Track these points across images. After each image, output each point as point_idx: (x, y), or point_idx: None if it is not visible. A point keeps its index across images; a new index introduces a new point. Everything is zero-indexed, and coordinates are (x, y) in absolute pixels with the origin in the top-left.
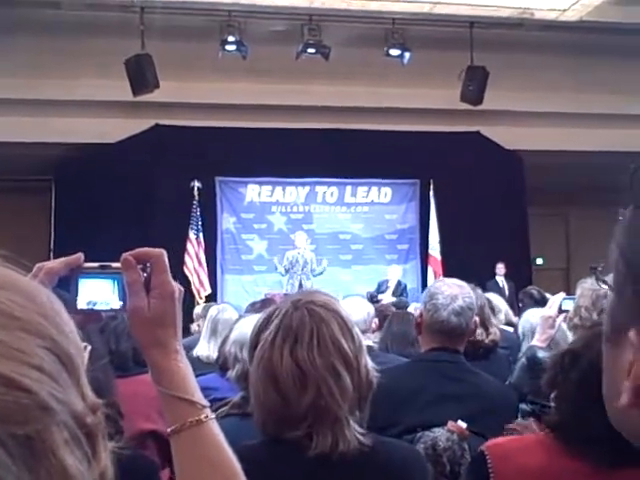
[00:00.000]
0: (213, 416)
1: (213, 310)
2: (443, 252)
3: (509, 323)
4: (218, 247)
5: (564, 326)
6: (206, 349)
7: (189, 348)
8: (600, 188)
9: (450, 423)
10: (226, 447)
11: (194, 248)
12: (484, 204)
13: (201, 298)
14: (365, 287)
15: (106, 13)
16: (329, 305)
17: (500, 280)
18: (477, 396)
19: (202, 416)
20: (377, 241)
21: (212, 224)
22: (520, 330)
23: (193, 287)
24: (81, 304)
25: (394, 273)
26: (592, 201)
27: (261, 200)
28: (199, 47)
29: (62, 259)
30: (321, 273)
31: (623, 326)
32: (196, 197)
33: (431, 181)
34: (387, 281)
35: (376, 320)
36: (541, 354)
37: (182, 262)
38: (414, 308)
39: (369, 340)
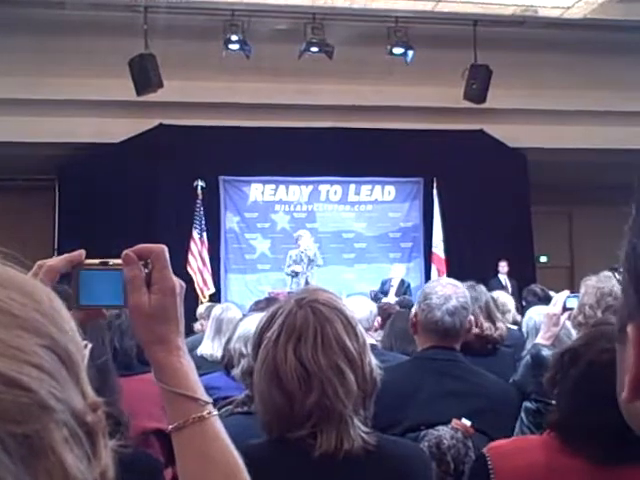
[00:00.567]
0: (216, 412)
1: (217, 309)
2: (447, 250)
3: (514, 322)
4: (222, 246)
5: (568, 324)
6: (210, 348)
7: (193, 347)
8: (604, 186)
9: (454, 421)
10: (229, 444)
11: (197, 247)
12: (488, 202)
13: (205, 297)
14: (368, 286)
15: (110, 13)
16: (333, 303)
17: (503, 278)
18: (478, 393)
19: (205, 412)
20: (381, 239)
21: (215, 223)
22: (524, 328)
23: (197, 286)
24: (82, 300)
25: (397, 271)
26: (596, 199)
27: (264, 199)
28: (203, 46)
29: (63, 256)
30: (318, 266)
31: (625, 323)
32: (200, 196)
33: (434, 179)
34: (390, 280)
35: (379, 319)
36: (545, 352)
37: (186, 261)
38: None
39: (372, 339)
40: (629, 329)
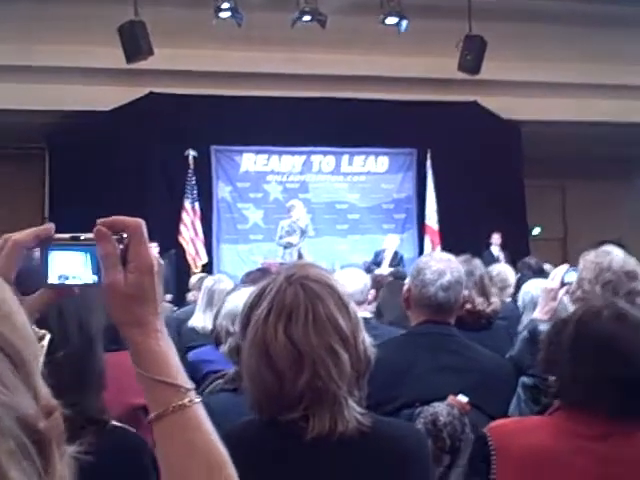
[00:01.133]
0: (198, 400)
1: (209, 281)
2: (440, 222)
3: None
4: (214, 216)
5: (565, 299)
6: (202, 320)
7: (187, 318)
8: (597, 159)
9: (451, 397)
10: (212, 433)
11: (190, 217)
12: (481, 174)
13: (197, 267)
14: (362, 257)
15: None
16: (324, 280)
17: (495, 250)
18: (473, 368)
19: (186, 400)
20: (374, 211)
21: (207, 193)
22: (520, 302)
23: (189, 256)
24: (51, 279)
25: (391, 243)
26: (589, 172)
27: (257, 169)
28: (193, 14)
29: (31, 230)
30: (310, 237)
31: None
32: (191, 166)
33: (428, 151)
34: (383, 251)
35: (373, 291)
36: (542, 327)
37: (177, 231)
38: None
39: (366, 312)
40: None
